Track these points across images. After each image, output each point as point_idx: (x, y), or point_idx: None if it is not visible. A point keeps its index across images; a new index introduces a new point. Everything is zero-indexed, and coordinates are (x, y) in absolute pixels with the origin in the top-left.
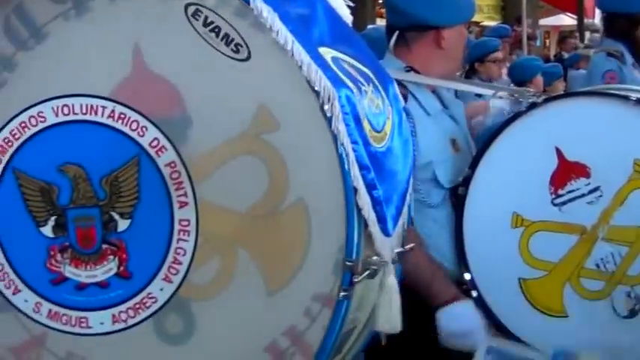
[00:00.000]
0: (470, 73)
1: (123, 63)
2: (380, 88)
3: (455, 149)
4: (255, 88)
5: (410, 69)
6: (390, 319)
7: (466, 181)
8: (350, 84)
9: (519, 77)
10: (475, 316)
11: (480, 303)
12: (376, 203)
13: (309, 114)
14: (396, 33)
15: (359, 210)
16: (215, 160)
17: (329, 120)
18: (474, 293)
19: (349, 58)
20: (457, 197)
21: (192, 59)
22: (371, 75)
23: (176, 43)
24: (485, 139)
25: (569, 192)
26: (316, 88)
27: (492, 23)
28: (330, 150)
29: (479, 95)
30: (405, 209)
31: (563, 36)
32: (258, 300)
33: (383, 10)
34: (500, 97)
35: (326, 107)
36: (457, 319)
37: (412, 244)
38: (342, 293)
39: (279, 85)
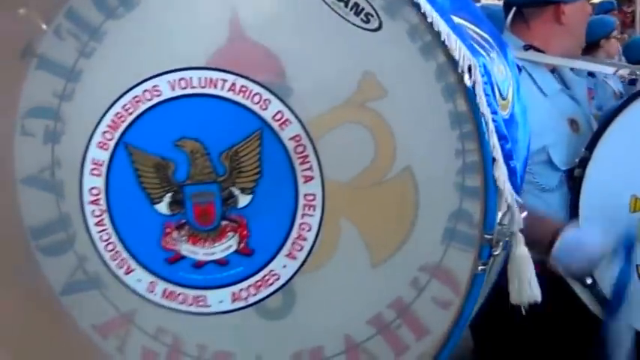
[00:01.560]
0: (589, 52)
1: (220, 31)
2: (500, 52)
3: (573, 130)
4: (364, 55)
5: (529, 47)
6: (522, 290)
7: (583, 163)
8: (481, 51)
9: (634, 56)
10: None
11: (595, 290)
12: (512, 174)
13: (419, 82)
14: (514, 9)
15: (494, 181)
16: (319, 129)
17: (470, 90)
18: (589, 280)
19: (470, 25)
20: (573, 180)
21: (296, 24)
22: (491, 40)
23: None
24: (604, 119)
25: None
26: (456, 58)
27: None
28: (441, 118)
29: (591, 74)
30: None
31: None
32: (363, 272)
33: None
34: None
35: (466, 77)
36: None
37: (525, 211)
38: (480, 267)
39: (389, 52)
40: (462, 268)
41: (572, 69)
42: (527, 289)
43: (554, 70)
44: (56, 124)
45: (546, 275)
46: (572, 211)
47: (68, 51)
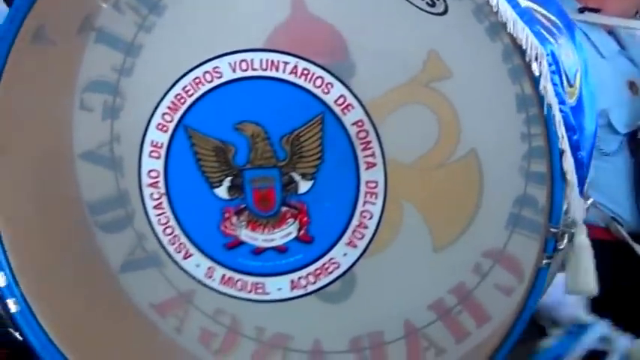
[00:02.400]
0: None
1: (282, 8)
2: (568, 36)
3: (633, 92)
4: (428, 36)
5: (584, 9)
6: (579, 282)
7: None
8: (550, 37)
9: None
10: None
11: None
12: (579, 166)
13: (486, 63)
14: None
15: (563, 173)
16: (382, 110)
17: (536, 80)
18: None
19: (537, 7)
20: (636, 142)
21: (359, 3)
22: (559, 23)
23: None
24: None
25: None
26: (523, 47)
27: None
28: (507, 101)
29: None
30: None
31: None
32: (425, 256)
33: None
34: None
35: (534, 66)
36: None
37: (592, 199)
38: (545, 260)
39: (455, 33)
40: (527, 254)
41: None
42: (584, 279)
43: (610, 31)
44: (115, 99)
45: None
46: (636, 174)
47: (127, 25)
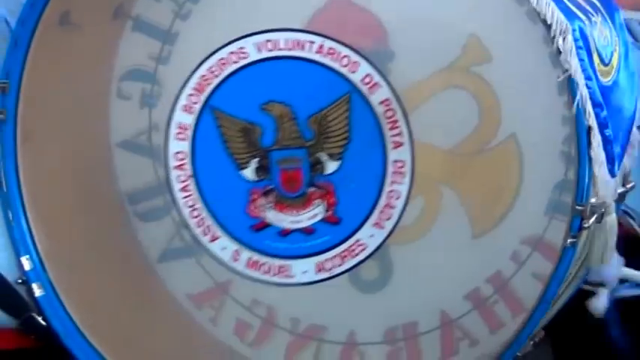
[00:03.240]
0: None
1: None
2: (607, 16)
3: None
4: (467, 17)
5: None
6: (605, 257)
7: None
8: (580, 14)
9: None
10: None
11: None
12: (607, 142)
13: (526, 46)
14: None
15: (589, 150)
16: (420, 95)
17: (559, 54)
18: None
19: None
20: None
21: None
22: (597, 3)
23: None
24: None
25: None
26: (548, 21)
27: None
28: (548, 84)
29: None
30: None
31: None
32: (463, 244)
33: None
34: None
35: (559, 41)
36: None
37: (633, 183)
38: (569, 240)
39: (495, 16)
40: (564, 240)
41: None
42: (609, 257)
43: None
44: (153, 87)
45: None
46: None
47: (164, 12)
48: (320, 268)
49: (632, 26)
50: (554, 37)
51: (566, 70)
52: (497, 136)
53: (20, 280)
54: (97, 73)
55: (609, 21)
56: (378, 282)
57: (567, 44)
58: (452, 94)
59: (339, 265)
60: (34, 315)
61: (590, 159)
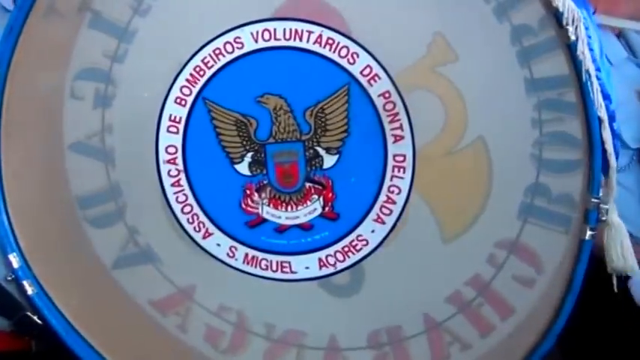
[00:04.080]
0: None
1: None
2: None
3: None
4: (433, 17)
5: (594, 12)
6: (622, 256)
7: None
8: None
9: None
10: None
11: None
12: (614, 136)
13: (493, 46)
14: None
15: (602, 142)
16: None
17: (573, 45)
18: None
19: None
20: None
21: None
22: None
23: None
24: None
25: None
26: (560, 9)
27: None
28: (515, 85)
29: None
30: None
31: None
32: (433, 247)
33: None
34: None
35: (570, 29)
36: None
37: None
38: (589, 232)
39: (461, 14)
40: (544, 246)
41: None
42: (628, 256)
43: (619, 35)
44: (107, 87)
45: None
46: None
47: (122, 8)
48: (323, 264)
49: (629, 38)
50: (565, 25)
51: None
52: (464, 138)
53: (9, 278)
54: (55, 71)
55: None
56: (351, 286)
57: (581, 33)
58: (417, 95)
59: (342, 261)
60: (29, 314)
61: (602, 152)
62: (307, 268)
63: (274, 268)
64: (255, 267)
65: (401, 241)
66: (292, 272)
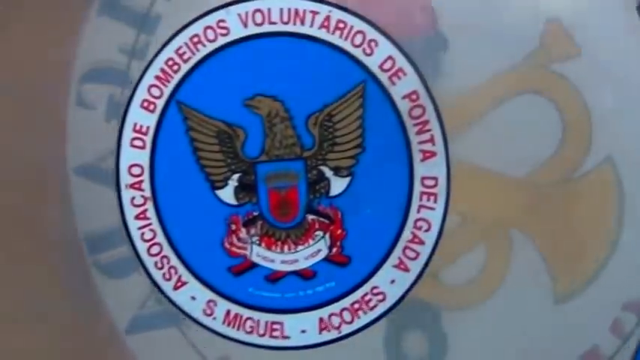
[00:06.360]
0: None
1: None
2: None
3: None
4: (549, 3)
5: None
6: None
7: None
8: None
9: None
10: None
11: None
12: None
13: (627, 38)
14: None
15: None
16: (480, 100)
17: None
18: None
19: None
20: None
21: None
22: None
23: None
24: None
25: None
26: None
27: None
28: None
29: None
30: None
31: None
32: (542, 310)
33: None
34: None
35: None
36: None
37: None
38: None
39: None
40: None
41: None
42: None
43: None
44: (123, 91)
45: None
46: None
47: None
48: (325, 326)
49: None
50: None
51: None
52: (587, 159)
53: None
54: (54, 72)
55: None
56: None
57: None
58: (523, 101)
59: (350, 322)
60: None
61: None
62: (303, 331)
63: (261, 330)
64: (238, 329)
65: (499, 300)
66: (284, 337)
